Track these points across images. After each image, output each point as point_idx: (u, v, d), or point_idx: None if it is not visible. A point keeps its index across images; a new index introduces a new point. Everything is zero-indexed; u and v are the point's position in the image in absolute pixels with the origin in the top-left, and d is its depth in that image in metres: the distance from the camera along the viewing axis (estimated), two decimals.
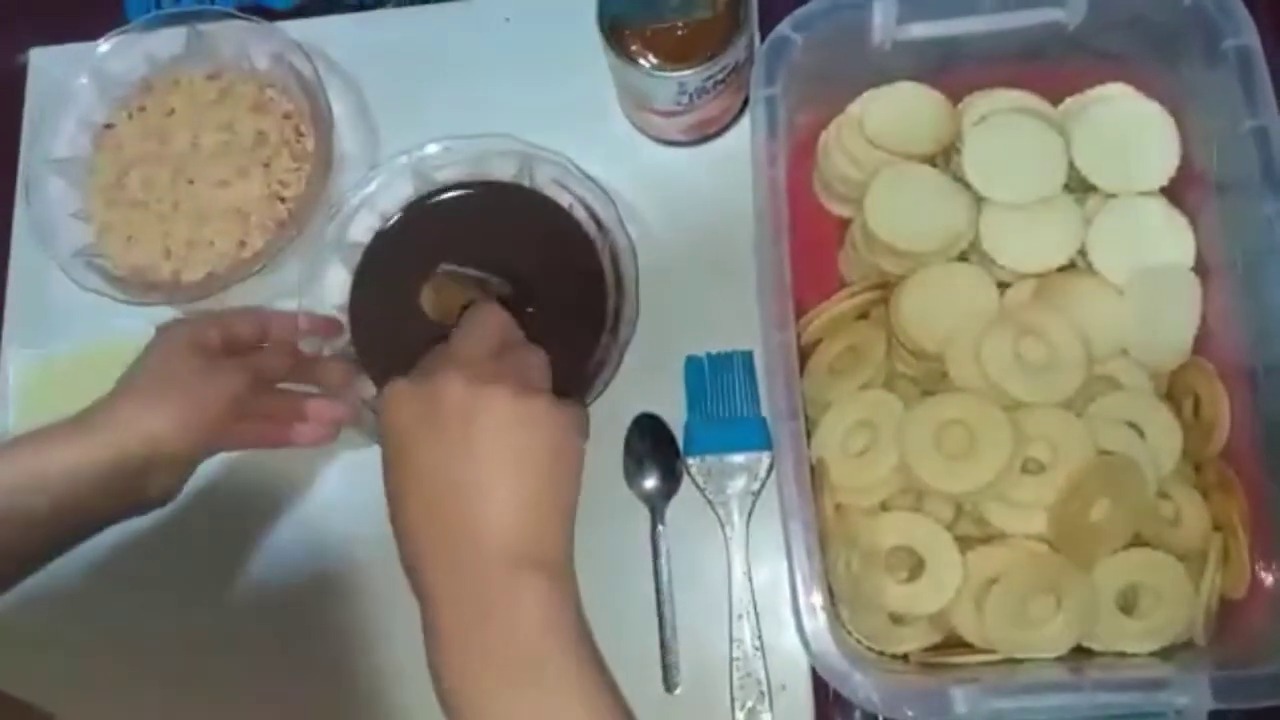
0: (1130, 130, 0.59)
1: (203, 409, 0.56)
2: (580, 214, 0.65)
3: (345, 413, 0.62)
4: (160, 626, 0.63)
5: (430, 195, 0.66)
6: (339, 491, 0.65)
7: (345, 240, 0.65)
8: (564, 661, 0.44)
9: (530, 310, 0.61)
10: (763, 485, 0.61)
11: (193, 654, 0.63)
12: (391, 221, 0.66)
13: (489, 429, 0.45)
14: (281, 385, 0.62)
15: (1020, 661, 0.54)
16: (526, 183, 0.66)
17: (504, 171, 0.66)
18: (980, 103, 0.61)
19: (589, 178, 0.64)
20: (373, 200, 0.66)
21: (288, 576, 0.64)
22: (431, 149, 0.65)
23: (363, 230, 0.66)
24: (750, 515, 0.61)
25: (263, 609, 0.64)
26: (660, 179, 0.68)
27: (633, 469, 0.62)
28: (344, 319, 0.65)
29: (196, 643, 0.63)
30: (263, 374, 0.60)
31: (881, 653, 0.56)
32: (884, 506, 0.57)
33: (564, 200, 0.65)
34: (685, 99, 0.61)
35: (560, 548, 0.46)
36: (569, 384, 0.60)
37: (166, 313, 0.67)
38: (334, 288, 0.65)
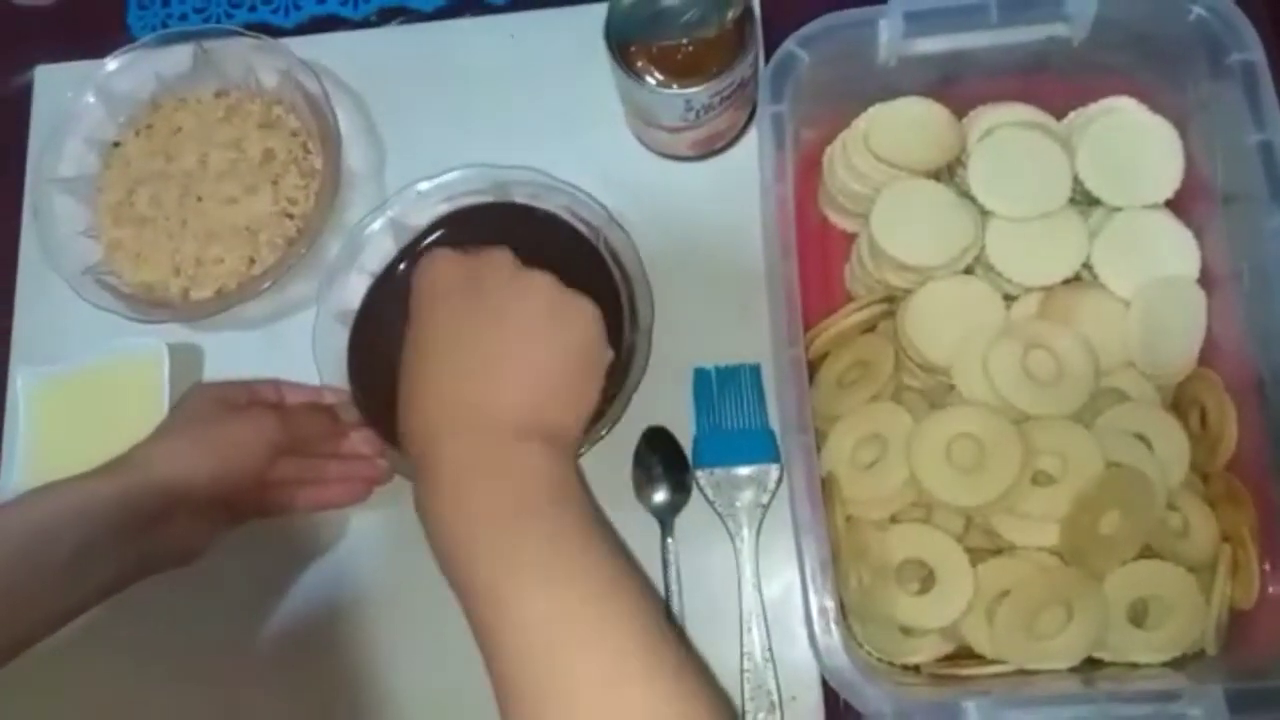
0: (1135, 144, 0.59)
1: (227, 448, 0.56)
2: (567, 217, 0.65)
3: (379, 472, 0.62)
4: (173, 666, 0.64)
5: (414, 242, 0.65)
6: (359, 541, 0.65)
7: (346, 309, 0.65)
8: (563, 518, 0.45)
9: None
10: (772, 497, 0.61)
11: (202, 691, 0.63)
12: (378, 281, 0.65)
13: (528, 309, 0.48)
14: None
15: (1031, 673, 0.54)
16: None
17: (479, 200, 0.66)
18: (985, 117, 0.61)
19: (567, 184, 0.64)
20: (360, 262, 0.65)
21: (305, 617, 0.64)
22: (403, 199, 0.65)
23: (358, 296, 0.65)
24: (760, 527, 0.61)
25: (278, 643, 0.64)
26: (666, 193, 0.68)
27: (642, 482, 0.63)
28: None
29: (208, 680, 0.63)
30: (295, 426, 0.59)
31: (892, 664, 0.56)
32: (894, 519, 0.57)
33: (547, 208, 0.65)
34: (691, 115, 0.61)
35: (573, 439, 0.48)
36: (609, 378, 0.61)
37: (175, 330, 0.68)
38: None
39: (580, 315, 0.49)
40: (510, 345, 0.47)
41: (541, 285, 0.48)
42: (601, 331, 0.49)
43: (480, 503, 0.44)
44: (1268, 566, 0.54)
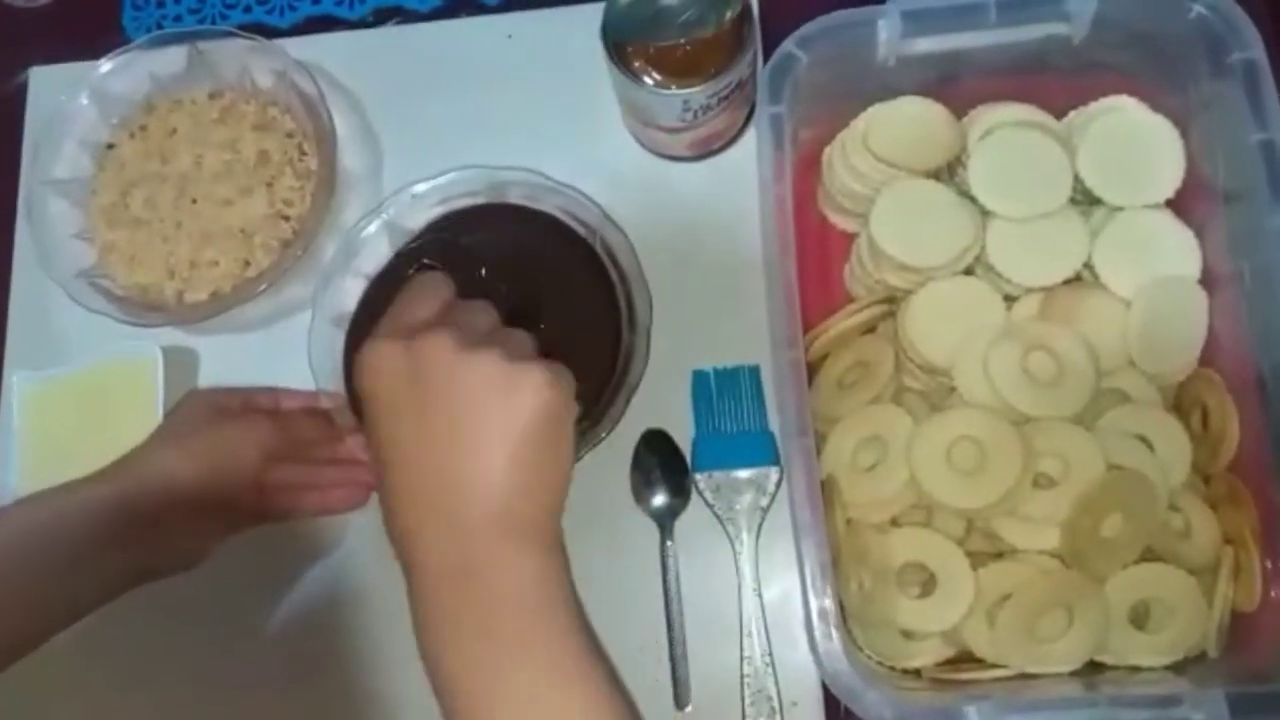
0: (1136, 143, 0.59)
1: (221, 453, 0.56)
2: (564, 218, 0.64)
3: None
4: (174, 667, 0.63)
5: (408, 245, 0.65)
6: (357, 546, 0.64)
7: (342, 312, 0.64)
8: (552, 638, 0.43)
9: (543, 325, 0.61)
10: (771, 500, 0.61)
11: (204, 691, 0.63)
12: (374, 284, 0.65)
13: (477, 395, 0.44)
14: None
15: (1033, 677, 0.54)
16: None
17: (474, 202, 0.65)
18: (985, 117, 0.61)
19: (564, 185, 0.64)
20: (356, 266, 0.65)
21: (304, 621, 0.64)
22: (398, 201, 0.64)
23: (354, 300, 0.65)
24: (759, 531, 0.61)
25: (278, 640, 0.64)
26: (664, 194, 0.67)
27: (641, 486, 0.62)
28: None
29: (206, 683, 0.63)
30: (290, 431, 0.59)
31: (893, 668, 0.56)
32: (895, 522, 0.57)
33: (544, 209, 0.65)
34: (689, 115, 0.61)
35: (551, 517, 0.45)
36: (602, 381, 0.61)
37: (170, 333, 0.67)
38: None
39: (529, 383, 0.44)
40: (468, 439, 0.44)
41: (483, 364, 0.44)
42: (558, 391, 0.45)
43: (457, 614, 0.43)
44: (1269, 565, 0.54)
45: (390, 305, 0.49)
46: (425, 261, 0.64)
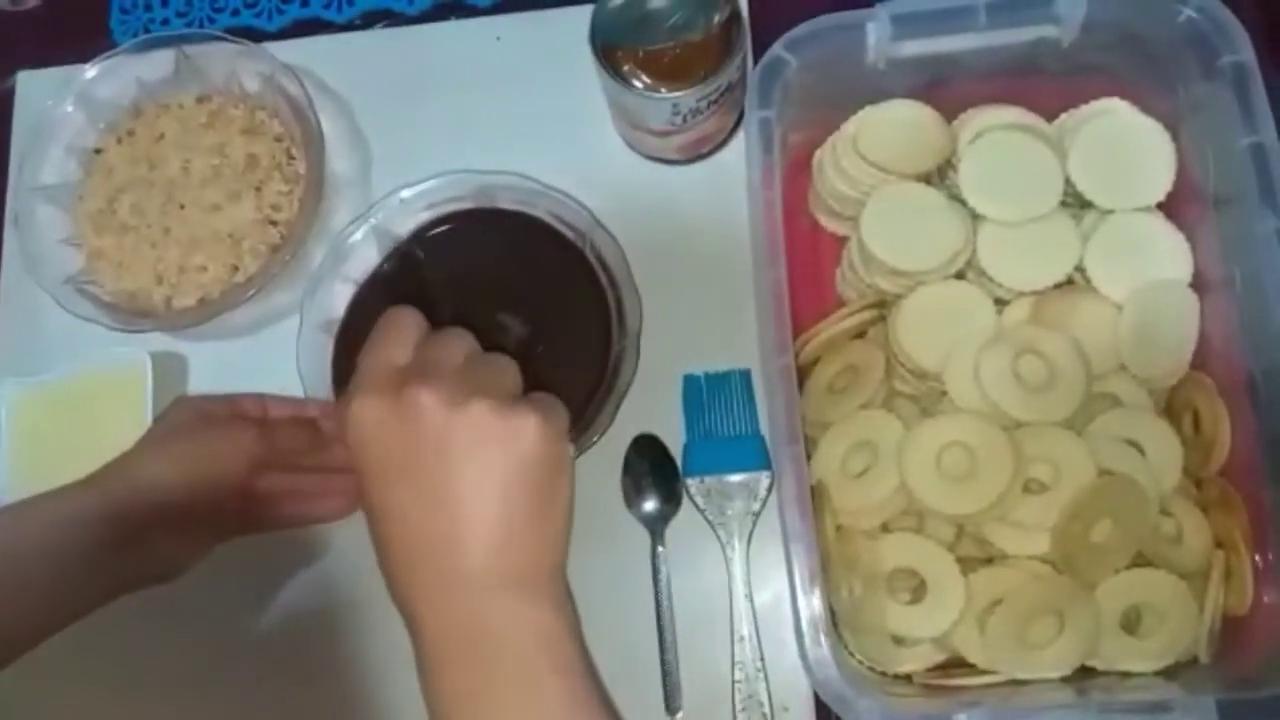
0: (1127, 146, 0.59)
1: (206, 461, 0.56)
2: (553, 223, 0.64)
3: None
4: (165, 673, 0.63)
5: (396, 250, 0.65)
6: (346, 555, 0.64)
7: (330, 318, 0.64)
8: (560, 691, 0.43)
9: (532, 331, 0.62)
10: (763, 505, 0.61)
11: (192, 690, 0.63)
12: (362, 289, 0.64)
13: (472, 451, 0.43)
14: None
15: (1024, 682, 0.54)
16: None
17: (463, 206, 0.65)
18: (975, 120, 0.61)
19: (553, 189, 0.64)
20: (344, 272, 0.64)
21: (293, 630, 0.63)
22: (386, 207, 0.64)
23: (342, 306, 0.64)
24: (751, 536, 0.61)
25: (268, 647, 0.64)
26: (654, 197, 0.67)
27: (632, 491, 0.62)
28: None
29: (198, 680, 0.63)
30: (277, 440, 0.58)
31: (884, 674, 0.55)
32: (885, 528, 0.56)
33: (533, 213, 0.64)
34: (679, 119, 0.61)
35: (554, 563, 0.45)
36: (592, 386, 0.61)
37: (159, 339, 0.67)
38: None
39: (523, 433, 0.43)
40: (464, 497, 0.43)
41: (475, 416, 0.43)
42: (551, 434, 0.44)
43: (458, 677, 0.43)
44: (1258, 561, 0.53)
45: (363, 350, 0.48)
46: (418, 256, 0.64)
